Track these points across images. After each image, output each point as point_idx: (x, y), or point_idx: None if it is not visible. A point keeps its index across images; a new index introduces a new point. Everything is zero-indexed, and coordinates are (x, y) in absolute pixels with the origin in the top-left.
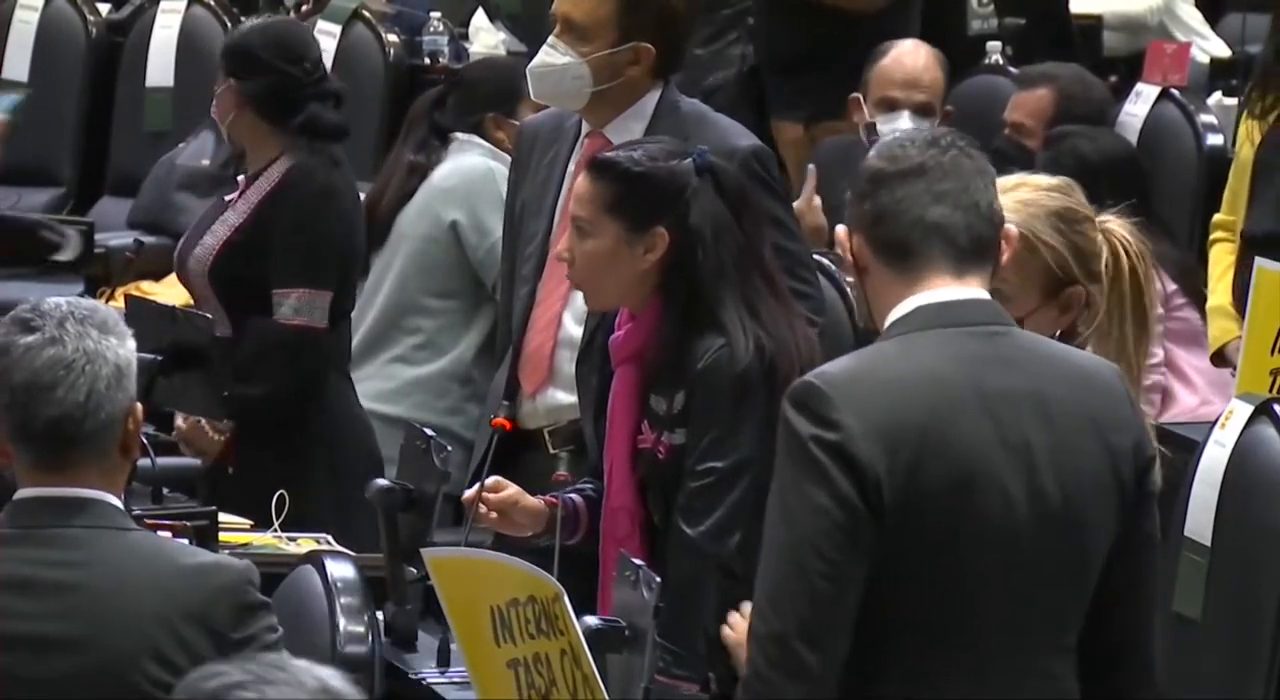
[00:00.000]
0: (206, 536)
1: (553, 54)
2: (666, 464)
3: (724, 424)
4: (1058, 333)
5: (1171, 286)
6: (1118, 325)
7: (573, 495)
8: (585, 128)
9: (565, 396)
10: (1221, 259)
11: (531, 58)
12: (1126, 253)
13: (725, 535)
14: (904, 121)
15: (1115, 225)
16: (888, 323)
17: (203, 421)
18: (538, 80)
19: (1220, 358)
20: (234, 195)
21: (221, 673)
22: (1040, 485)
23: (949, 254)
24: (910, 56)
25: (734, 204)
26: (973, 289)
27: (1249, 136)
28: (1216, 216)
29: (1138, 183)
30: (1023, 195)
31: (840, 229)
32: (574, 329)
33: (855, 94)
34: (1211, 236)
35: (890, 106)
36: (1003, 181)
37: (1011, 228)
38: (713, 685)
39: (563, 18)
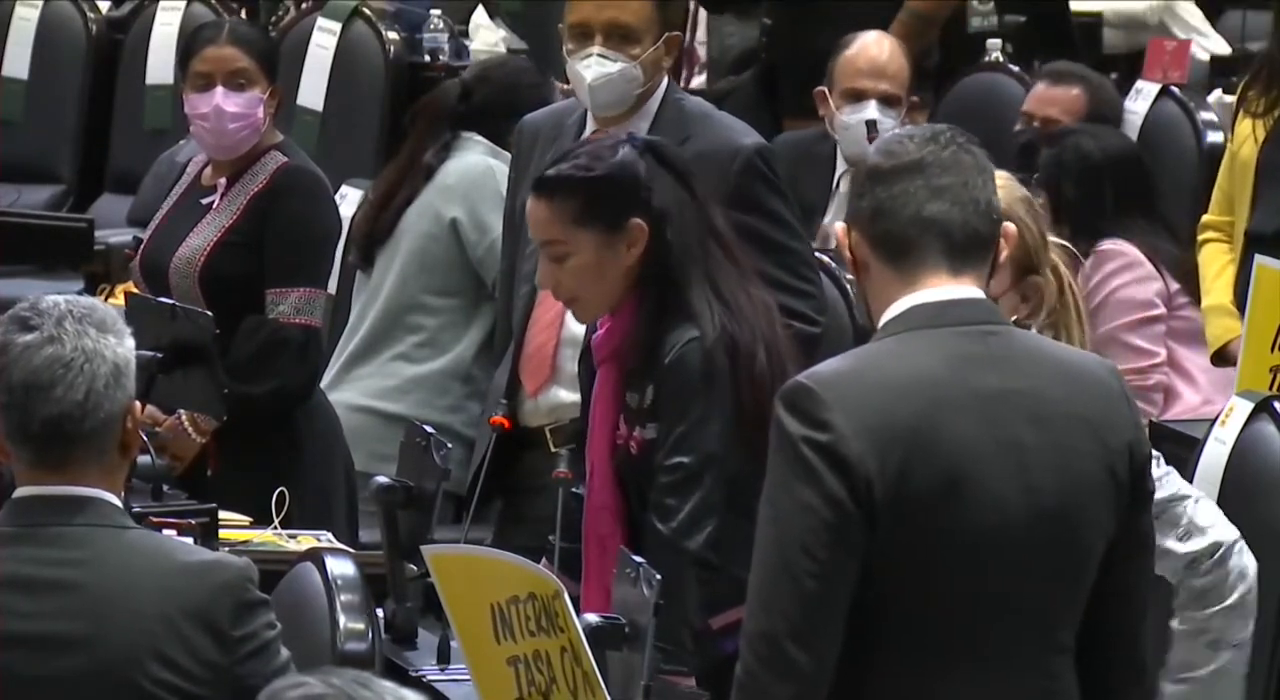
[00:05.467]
0: (207, 534)
1: (605, 63)
2: (639, 459)
3: (691, 418)
4: (1013, 320)
5: (1174, 285)
6: (1066, 335)
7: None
8: (589, 125)
9: (567, 395)
10: (1216, 258)
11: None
12: (1061, 264)
13: (696, 530)
14: (870, 111)
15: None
16: (882, 321)
17: (185, 423)
18: (599, 92)
19: (1221, 357)
20: (213, 198)
21: (304, 684)
22: (1033, 486)
23: (945, 250)
24: (875, 47)
25: (681, 175)
26: (967, 287)
27: (1252, 134)
28: (1206, 217)
29: (1141, 181)
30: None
31: (839, 225)
32: (576, 328)
33: (820, 87)
34: (1201, 237)
35: (856, 97)
36: None
37: (1010, 226)
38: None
39: (608, 24)
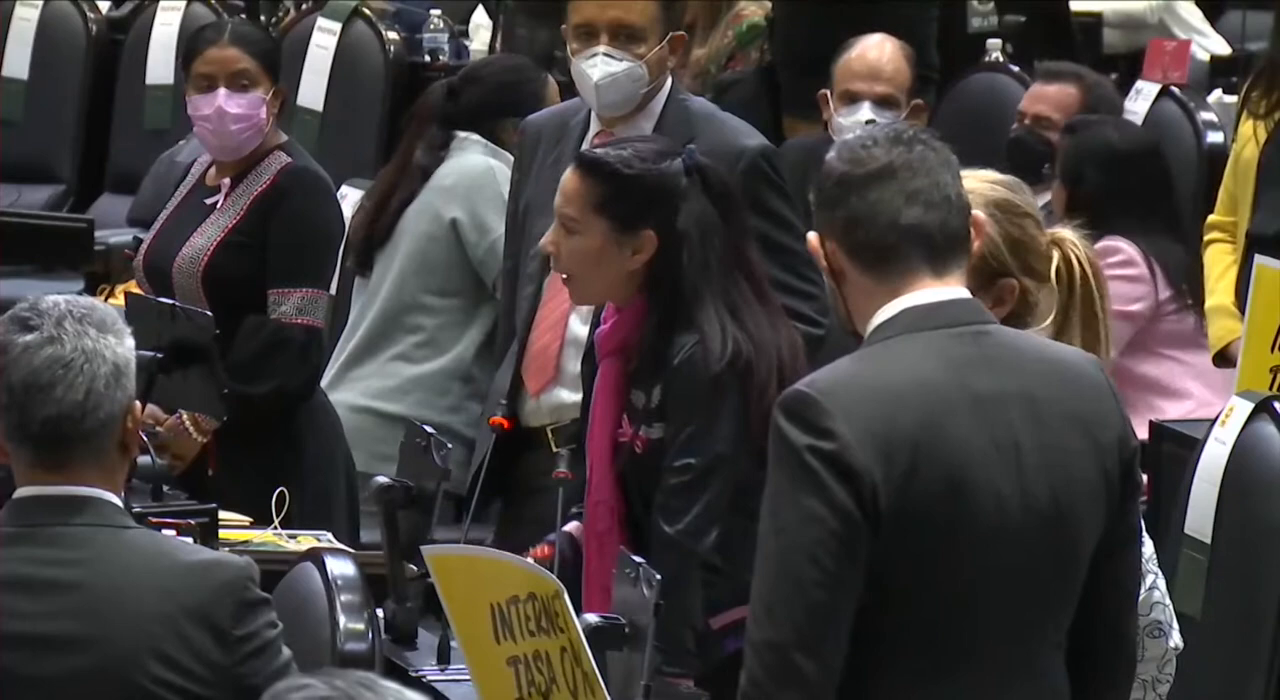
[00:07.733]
0: (207, 534)
1: (610, 62)
2: (644, 458)
3: (699, 420)
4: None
5: (1165, 293)
6: (1068, 332)
7: (566, 538)
8: (594, 125)
9: (570, 395)
10: (1220, 259)
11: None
12: (1078, 261)
13: (703, 532)
14: (864, 112)
15: (1067, 234)
16: (872, 326)
17: (186, 423)
18: (605, 91)
19: (1223, 357)
20: (217, 198)
21: (308, 685)
22: (1030, 486)
23: (927, 255)
24: (874, 49)
25: (721, 203)
26: (953, 288)
27: (1253, 135)
28: (1211, 217)
29: (1161, 175)
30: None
31: (812, 236)
32: (580, 329)
33: (823, 91)
34: (1207, 237)
35: (852, 99)
36: None
37: (979, 213)
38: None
39: (612, 23)
